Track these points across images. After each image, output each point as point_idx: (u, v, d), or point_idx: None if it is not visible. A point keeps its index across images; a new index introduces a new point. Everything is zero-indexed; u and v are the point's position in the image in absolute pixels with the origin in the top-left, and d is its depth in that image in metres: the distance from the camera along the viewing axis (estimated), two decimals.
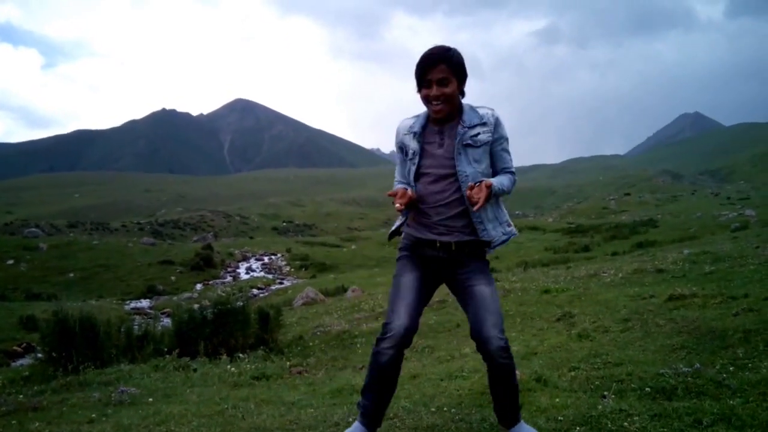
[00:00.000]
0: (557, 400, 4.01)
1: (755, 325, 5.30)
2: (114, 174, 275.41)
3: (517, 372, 4.43)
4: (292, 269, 47.65)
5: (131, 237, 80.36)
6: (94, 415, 4.47)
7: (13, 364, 17.97)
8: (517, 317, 8.08)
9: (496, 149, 3.26)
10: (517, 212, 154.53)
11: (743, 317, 5.76)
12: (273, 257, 56.59)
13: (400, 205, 3.13)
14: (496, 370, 3.17)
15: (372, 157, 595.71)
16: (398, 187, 3.27)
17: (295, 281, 39.50)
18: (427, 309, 9.92)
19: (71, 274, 47.17)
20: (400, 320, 3.12)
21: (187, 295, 40.58)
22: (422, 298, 3.26)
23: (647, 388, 4.09)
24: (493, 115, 3.23)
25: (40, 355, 7.96)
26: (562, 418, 3.60)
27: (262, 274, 47.92)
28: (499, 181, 3.18)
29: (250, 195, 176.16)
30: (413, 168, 3.27)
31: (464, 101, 3.29)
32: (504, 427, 3.33)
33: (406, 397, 4.42)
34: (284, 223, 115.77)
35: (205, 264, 49.67)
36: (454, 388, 4.60)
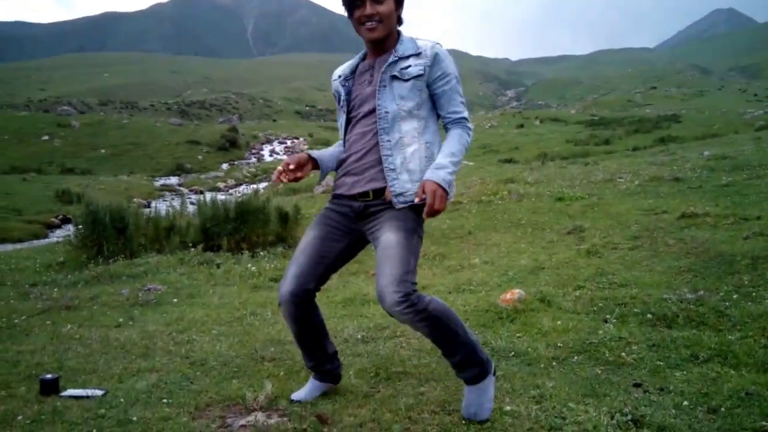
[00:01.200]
0: (559, 323, 4.11)
1: (764, 252, 5.35)
2: (141, 55, 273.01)
3: (517, 293, 4.60)
4: None
5: (159, 117, 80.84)
6: (121, 319, 4.74)
7: (50, 234, 18.81)
8: (529, 227, 8.14)
9: (439, 88, 2.74)
10: (539, 102, 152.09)
11: (753, 242, 5.79)
12: (296, 140, 56.84)
13: (284, 178, 2.76)
14: (412, 327, 2.68)
15: None
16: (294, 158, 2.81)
17: None
18: (453, 211, 10.08)
19: (103, 151, 48.01)
20: (286, 286, 2.75)
21: (213, 174, 41.31)
22: (320, 260, 2.79)
23: (649, 314, 4.18)
24: (432, 48, 2.75)
25: (73, 240, 8.28)
26: (561, 345, 3.71)
27: (285, 156, 48.27)
28: (448, 161, 2.66)
29: (274, 79, 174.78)
30: (343, 117, 2.88)
31: (405, 34, 2.87)
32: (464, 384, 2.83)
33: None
34: (307, 108, 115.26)
35: (231, 145, 50.21)
36: (461, 302, 4.74)
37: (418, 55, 2.73)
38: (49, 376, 3.18)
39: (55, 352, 3.89)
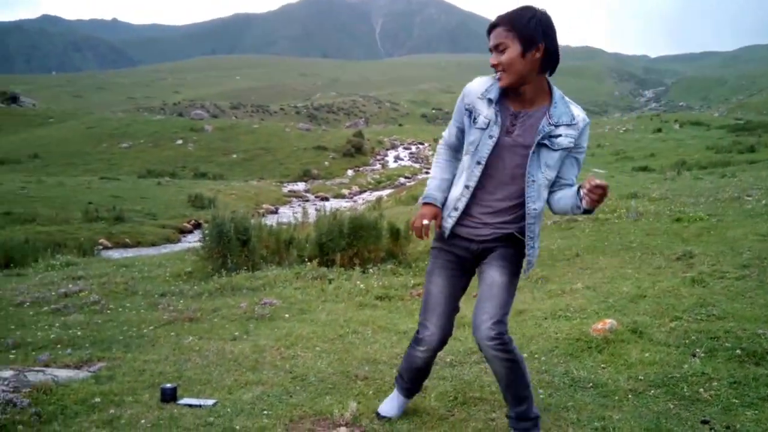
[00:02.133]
0: (647, 355, 4.23)
1: None
2: (271, 57, 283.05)
3: (609, 323, 4.75)
4: None
5: (289, 120, 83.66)
6: (237, 333, 5.27)
7: (182, 239, 20.04)
8: (639, 251, 8.06)
9: (570, 157, 2.85)
10: (681, 104, 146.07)
11: None
12: (420, 146, 57.43)
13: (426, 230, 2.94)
14: (491, 363, 2.94)
15: None
16: (424, 210, 2.98)
17: None
18: (552, 230, 10.17)
19: (234, 155, 50.03)
20: (435, 336, 3.03)
21: (338, 180, 42.46)
22: (454, 302, 3.07)
23: (738, 350, 4.20)
24: (583, 121, 2.81)
25: (200, 251, 9.00)
26: (642, 378, 3.87)
27: (409, 163, 49.02)
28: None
29: (401, 81, 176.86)
30: (490, 143, 2.79)
31: (557, 91, 2.82)
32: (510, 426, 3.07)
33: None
34: (433, 111, 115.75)
35: (356, 151, 51.33)
36: (553, 330, 4.92)
37: (570, 125, 2.78)
38: (168, 385, 3.70)
39: (176, 363, 4.44)
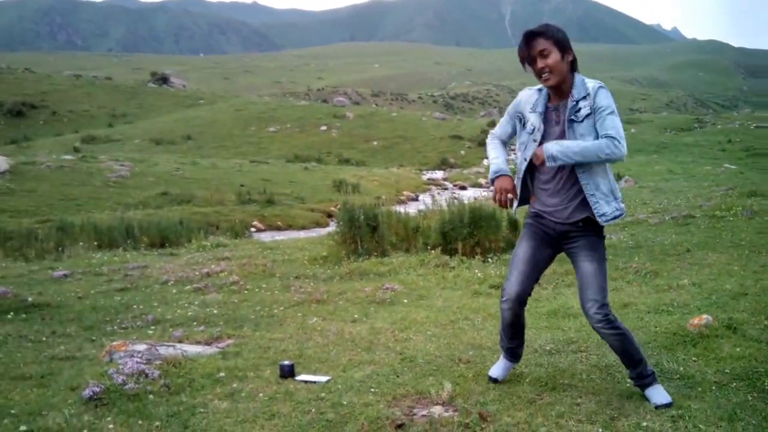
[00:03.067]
0: (738, 350, 4.33)
1: None
2: (407, 45, 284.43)
3: (704, 319, 4.87)
4: None
5: (426, 108, 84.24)
6: (356, 315, 5.77)
7: (331, 223, 20.67)
8: (747, 249, 8.01)
9: (597, 119, 3.35)
10: None
11: None
12: None
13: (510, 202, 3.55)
14: (604, 339, 3.58)
15: (653, 33, 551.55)
16: (502, 182, 3.54)
17: None
18: (669, 225, 10.19)
19: (375, 143, 51.05)
20: (513, 288, 3.64)
21: (474, 169, 42.49)
22: (535, 267, 3.65)
23: None
24: (593, 88, 3.38)
25: (335, 237, 9.61)
26: (728, 371, 3.99)
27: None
28: (568, 143, 3.35)
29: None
30: (534, 144, 3.48)
31: (581, 78, 3.45)
32: (638, 389, 3.65)
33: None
34: None
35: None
36: (653, 324, 5.07)
37: (586, 96, 3.39)
38: (286, 362, 4.17)
39: (299, 342, 4.96)
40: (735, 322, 4.88)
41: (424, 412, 3.49)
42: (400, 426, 3.33)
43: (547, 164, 3.39)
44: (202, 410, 3.63)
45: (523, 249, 3.68)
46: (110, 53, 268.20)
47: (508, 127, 3.72)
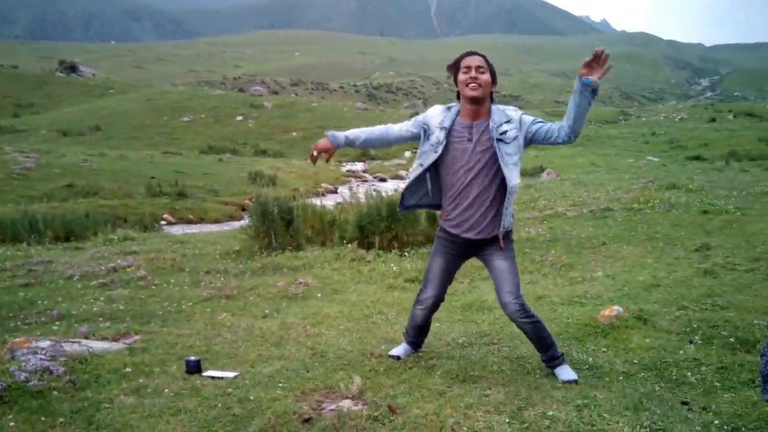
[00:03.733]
0: (647, 340, 4.51)
1: None
2: (329, 34, 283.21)
3: (615, 310, 5.03)
4: None
5: (348, 99, 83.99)
6: (268, 311, 5.69)
7: (245, 216, 20.39)
8: (662, 241, 8.28)
9: (532, 130, 3.71)
10: (735, 93, 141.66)
11: None
12: None
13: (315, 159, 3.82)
14: (520, 327, 3.90)
15: (581, 25, 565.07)
16: (321, 141, 3.83)
17: None
18: (586, 218, 10.45)
19: (294, 133, 50.30)
20: (429, 299, 4.02)
21: (396, 161, 42.57)
22: (449, 277, 4.03)
23: (733, 338, 4.48)
24: (516, 114, 3.73)
25: (248, 231, 9.44)
26: (637, 361, 4.15)
27: None
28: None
29: None
30: (434, 156, 3.76)
31: (493, 105, 3.77)
32: (549, 369, 3.97)
33: None
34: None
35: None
36: (566, 315, 5.21)
37: (509, 121, 3.70)
38: (192, 358, 4.10)
39: (207, 338, 4.86)
40: (645, 313, 5.06)
41: (333, 406, 3.46)
42: (307, 420, 3.29)
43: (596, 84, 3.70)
44: (107, 406, 3.57)
45: (437, 264, 3.99)
46: (17, 41, 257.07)
47: (412, 129, 3.92)
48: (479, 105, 3.70)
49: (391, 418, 3.29)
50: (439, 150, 3.74)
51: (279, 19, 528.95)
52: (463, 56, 3.73)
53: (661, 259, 7.30)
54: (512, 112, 3.76)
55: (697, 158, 29.58)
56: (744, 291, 5.72)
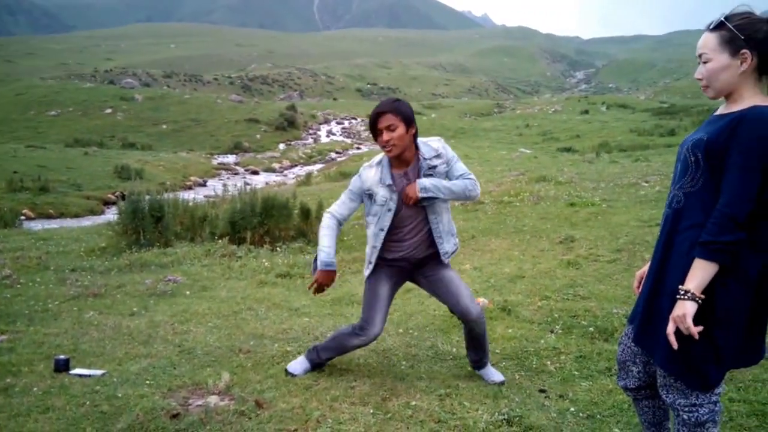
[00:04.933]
0: (510, 331, 4.72)
1: None
2: (207, 27, 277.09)
3: (484, 301, 5.28)
4: (371, 136, 48.19)
5: (222, 91, 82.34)
6: (135, 309, 5.59)
7: (107, 210, 19.87)
8: (528, 234, 8.61)
9: (451, 168, 3.74)
10: (610, 85, 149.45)
11: None
12: (353, 121, 57.62)
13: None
14: (475, 329, 3.84)
15: (463, 19, 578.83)
16: (327, 277, 3.78)
17: (371, 147, 40.17)
18: (458, 211, 10.70)
19: (164, 126, 49.12)
20: (376, 329, 3.79)
21: (270, 154, 42.24)
22: (390, 302, 3.92)
23: (592, 328, 4.70)
24: (440, 145, 3.75)
25: (115, 227, 9.16)
26: (499, 351, 4.35)
27: (342, 138, 49.13)
28: (438, 181, 3.65)
29: (338, 54, 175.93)
30: (390, 215, 3.73)
31: (419, 141, 3.76)
32: (475, 370, 4.00)
33: (389, 314, 5.18)
34: (368, 86, 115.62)
35: (289, 125, 51.05)
36: (433, 308, 5.37)
37: (438, 156, 3.73)
38: (61, 356, 4.04)
39: (74, 336, 4.75)
40: (510, 304, 5.29)
41: (200, 402, 3.47)
42: (175, 416, 3.29)
43: (419, 195, 3.60)
44: None
45: (384, 289, 3.87)
46: None
47: (353, 204, 3.87)
48: (401, 156, 3.70)
49: (258, 413, 3.33)
50: (392, 206, 3.73)
51: (157, 13, 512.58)
52: (373, 117, 3.67)
53: (527, 252, 7.59)
54: (438, 144, 3.77)
55: (569, 150, 30.52)
56: (605, 281, 6.02)
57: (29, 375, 3.94)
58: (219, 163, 36.06)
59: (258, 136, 48.16)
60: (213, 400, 3.47)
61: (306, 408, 3.39)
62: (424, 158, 3.70)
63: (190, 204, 9.97)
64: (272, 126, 50.15)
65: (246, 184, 11.41)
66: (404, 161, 3.73)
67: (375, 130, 3.68)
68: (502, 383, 3.85)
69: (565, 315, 5.04)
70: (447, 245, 3.82)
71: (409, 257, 3.82)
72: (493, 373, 3.94)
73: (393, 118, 3.62)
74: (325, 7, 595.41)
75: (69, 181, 23.25)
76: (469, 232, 8.97)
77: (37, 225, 15.06)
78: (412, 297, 5.84)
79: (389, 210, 3.74)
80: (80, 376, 3.89)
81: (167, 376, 3.87)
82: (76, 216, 18.78)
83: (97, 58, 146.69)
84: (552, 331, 4.75)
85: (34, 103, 52.84)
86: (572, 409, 3.49)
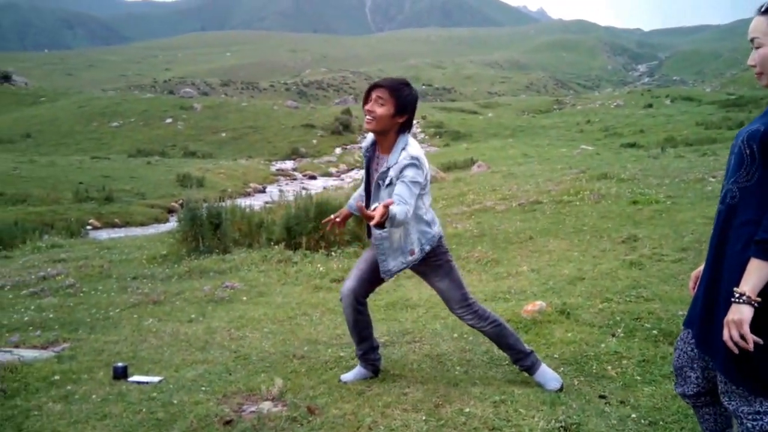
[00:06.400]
0: (569, 335, 4.57)
1: None
2: (261, 33, 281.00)
3: (538, 305, 5.15)
4: (426, 137, 48.13)
5: (278, 97, 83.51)
6: (193, 315, 5.69)
7: (171, 219, 20.27)
8: (589, 234, 8.39)
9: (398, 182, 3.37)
10: (674, 77, 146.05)
11: None
12: None
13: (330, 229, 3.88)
14: (481, 331, 3.81)
15: (518, 14, 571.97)
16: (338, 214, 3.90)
17: (427, 149, 40.13)
18: (515, 212, 10.56)
19: (223, 134, 50.13)
20: (347, 282, 3.81)
21: (326, 158, 42.63)
22: (374, 270, 3.72)
23: (656, 330, 4.53)
24: (404, 161, 3.37)
25: (175, 235, 9.36)
26: (557, 356, 4.22)
27: None
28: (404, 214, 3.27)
29: (391, 56, 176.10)
30: (363, 184, 3.75)
31: (409, 139, 3.51)
32: (529, 375, 3.85)
33: (443, 318, 5.15)
34: (423, 86, 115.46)
35: (344, 129, 51.43)
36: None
37: (397, 167, 3.40)
38: (120, 364, 4.14)
39: (133, 344, 4.86)
40: (569, 307, 5.12)
41: (253, 408, 3.50)
42: (228, 422, 3.33)
43: (379, 228, 3.22)
44: (36, 413, 3.60)
45: (367, 252, 3.86)
46: None
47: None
48: (381, 137, 3.54)
49: (310, 419, 3.34)
50: (365, 176, 3.72)
51: (211, 22, 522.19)
52: (371, 86, 3.54)
53: (588, 252, 7.39)
54: (405, 156, 3.41)
55: (633, 145, 29.80)
56: (669, 282, 5.79)
57: (89, 382, 4.04)
58: (277, 169, 36.56)
59: (314, 141, 48.67)
60: (266, 406, 3.49)
61: (358, 414, 3.38)
62: (387, 163, 3.49)
63: (247, 210, 10.09)
64: (328, 131, 50.61)
65: (304, 189, 11.50)
66: (381, 145, 3.58)
67: (366, 97, 3.52)
68: (560, 390, 3.71)
69: (627, 317, 4.87)
70: (390, 263, 3.62)
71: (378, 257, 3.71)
72: (549, 380, 3.77)
73: (387, 95, 3.44)
74: (376, 9, 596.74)
75: (133, 191, 23.92)
76: (527, 233, 8.80)
77: (103, 234, 15.52)
78: None
79: (363, 178, 3.76)
80: (138, 383, 3.97)
81: (222, 382, 3.92)
82: (141, 224, 19.23)
83: (156, 68, 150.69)
84: (613, 335, 4.59)
85: (96, 114, 54.58)
86: (634, 415, 3.38)
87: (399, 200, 3.21)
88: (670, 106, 51.48)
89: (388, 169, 3.46)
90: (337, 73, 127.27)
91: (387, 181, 3.45)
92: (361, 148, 3.85)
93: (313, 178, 33.32)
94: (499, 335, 3.78)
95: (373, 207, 3.11)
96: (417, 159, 3.40)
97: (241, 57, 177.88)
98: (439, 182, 17.68)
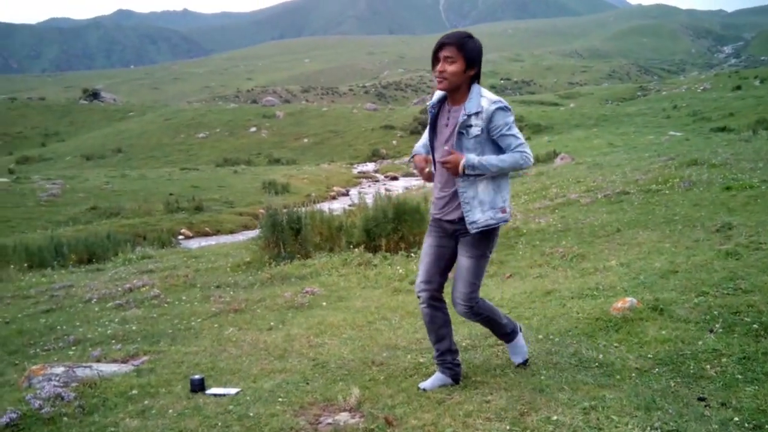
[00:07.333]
0: (663, 332, 4.28)
1: None
2: (338, 38, 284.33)
3: (628, 302, 4.84)
4: None
5: (358, 100, 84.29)
6: (273, 323, 5.66)
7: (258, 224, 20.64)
8: (680, 223, 7.99)
9: (496, 137, 3.50)
10: (762, 58, 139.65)
11: None
12: None
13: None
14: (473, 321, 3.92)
15: (595, 2, 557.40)
16: (418, 156, 3.78)
17: None
18: (601, 203, 10.18)
19: (305, 140, 51.03)
20: (419, 278, 3.80)
21: (407, 158, 42.60)
22: (439, 257, 3.75)
23: (756, 324, 4.22)
24: (489, 108, 3.47)
25: (258, 242, 9.45)
26: (651, 356, 3.95)
27: None
28: (486, 159, 3.46)
29: None
30: (426, 135, 3.79)
31: (481, 87, 3.58)
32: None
33: (528, 319, 4.96)
34: (502, 81, 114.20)
35: (423, 128, 51.12)
36: (576, 310, 5.00)
37: (478, 113, 3.48)
38: (196, 376, 4.09)
39: (212, 354, 4.85)
40: (662, 302, 4.82)
41: (330, 420, 3.40)
42: None
43: (467, 172, 3.46)
44: (113, 429, 3.58)
45: (426, 244, 3.83)
46: (44, 74, 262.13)
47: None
48: (453, 92, 3.58)
49: (388, 431, 3.21)
50: (428, 132, 3.76)
51: (289, 29, 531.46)
52: (437, 45, 3.55)
53: (680, 243, 7.00)
54: (488, 103, 3.49)
55: (723, 129, 28.82)
56: None
57: (166, 396, 4.01)
58: (359, 172, 36.89)
59: (394, 142, 48.83)
60: (343, 417, 3.39)
61: (438, 425, 3.22)
62: (465, 113, 3.51)
63: (326, 214, 10.09)
64: (407, 131, 50.70)
65: (387, 190, 11.42)
66: (453, 99, 3.61)
67: (435, 58, 3.55)
68: (522, 364, 3.95)
69: (725, 312, 4.53)
70: (476, 214, 3.56)
71: (440, 217, 3.72)
72: (516, 352, 4.00)
73: (455, 52, 3.49)
74: (450, 6, 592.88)
75: (221, 200, 24.63)
76: (614, 226, 8.44)
77: (195, 243, 15.95)
78: (552, 299, 5.52)
79: (427, 136, 3.77)
80: (215, 395, 3.92)
81: (299, 392, 3.83)
82: (231, 232, 19.65)
83: (238, 78, 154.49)
84: (711, 331, 4.28)
85: (182, 126, 56.42)
86: (736, 418, 3.12)
87: (523, 147, 3.47)
88: (759, 87, 49.29)
89: (469, 116, 3.49)
90: (415, 73, 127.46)
91: (475, 133, 3.50)
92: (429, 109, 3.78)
93: (395, 179, 33.35)
94: (491, 325, 3.93)
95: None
96: (500, 101, 3.51)
97: (320, 62, 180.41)
98: (521, 177, 17.33)
